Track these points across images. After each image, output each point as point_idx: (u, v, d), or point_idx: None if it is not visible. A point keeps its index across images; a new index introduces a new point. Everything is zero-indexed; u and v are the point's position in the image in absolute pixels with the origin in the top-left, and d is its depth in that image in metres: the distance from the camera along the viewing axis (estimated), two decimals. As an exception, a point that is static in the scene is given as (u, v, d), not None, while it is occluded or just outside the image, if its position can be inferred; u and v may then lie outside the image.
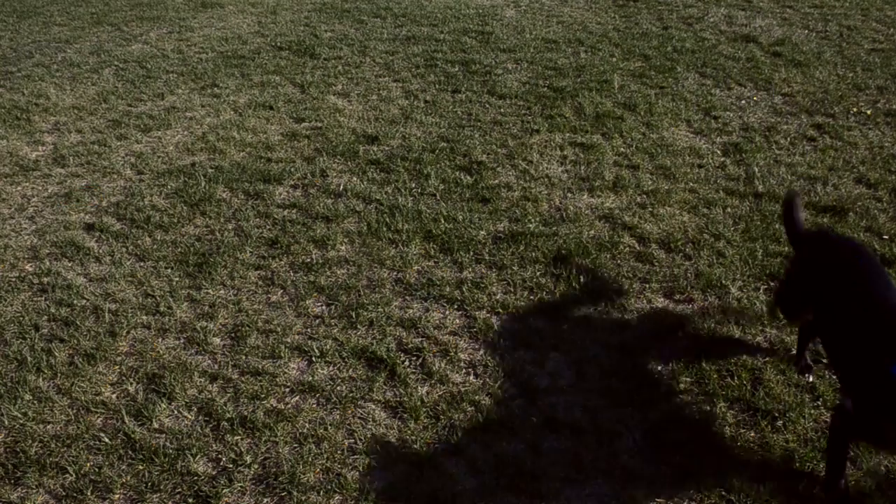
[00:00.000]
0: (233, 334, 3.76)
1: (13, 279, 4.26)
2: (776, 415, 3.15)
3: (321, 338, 3.69)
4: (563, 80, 6.80)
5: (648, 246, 4.32)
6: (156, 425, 3.22)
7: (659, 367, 3.44)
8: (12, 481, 3.00)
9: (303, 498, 2.87)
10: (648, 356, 3.50)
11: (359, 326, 3.76)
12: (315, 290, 4.04)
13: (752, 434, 3.08)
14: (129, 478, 2.99)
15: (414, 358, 3.55)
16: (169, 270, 4.26)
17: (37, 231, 4.74)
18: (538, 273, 4.11)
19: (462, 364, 3.51)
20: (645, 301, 3.88)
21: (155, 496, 2.92)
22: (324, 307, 3.93)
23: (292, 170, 5.32)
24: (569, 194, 4.91)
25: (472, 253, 4.30)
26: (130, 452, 3.09)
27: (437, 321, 3.78)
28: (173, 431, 3.19)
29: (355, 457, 3.04)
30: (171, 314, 3.90)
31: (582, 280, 4.02)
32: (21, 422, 3.26)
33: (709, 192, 4.85)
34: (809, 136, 5.63)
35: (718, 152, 5.41)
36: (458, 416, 3.21)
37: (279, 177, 5.22)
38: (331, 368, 3.51)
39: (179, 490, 2.93)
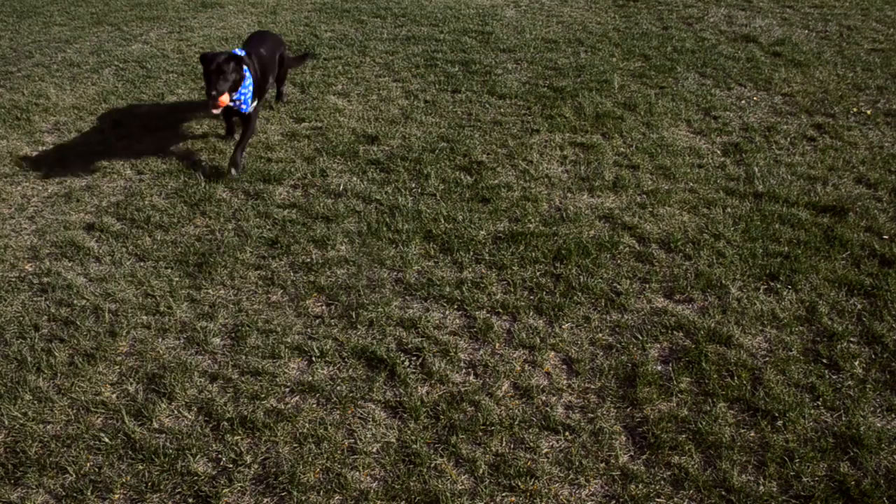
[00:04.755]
0: (233, 334, 3.76)
1: (13, 279, 4.26)
2: (776, 415, 3.15)
3: (321, 338, 3.70)
4: (563, 80, 6.80)
5: (648, 246, 4.33)
6: (156, 425, 3.23)
7: (658, 367, 3.45)
8: (12, 481, 3.00)
9: (303, 498, 2.87)
10: (648, 356, 3.50)
11: (359, 326, 3.76)
12: (315, 290, 4.05)
13: (752, 434, 3.08)
14: (129, 478, 2.99)
15: (414, 358, 3.55)
16: (169, 270, 4.26)
17: (37, 231, 4.74)
18: (538, 273, 4.11)
19: (462, 364, 3.51)
20: (645, 301, 3.88)
21: (155, 496, 2.92)
22: (324, 307, 3.93)
23: (292, 170, 5.32)
24: (569, 194, 4.91)
25: (472, 253, 4.30)
26: (130, 452, 3.09)
27: (437, 321, 3.78)
28: (173, 431, 3.19)
29: (355, 457, 3.04)
30: (171, 314, 3.90)
31: (582, 280, 4.02)
32: (21, 422, 3.26)
33: (709, 192, 4.86)
34: (809, 136, 5.63)
35: (718, 152, 5.41)
36: (458, 416, 3.21)
37: (279, 177, 5.22)
38: (331, 368, 3.51)
39: (179, 490, 2.94)
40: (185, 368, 3.53)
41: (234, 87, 5.05)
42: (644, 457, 3.01)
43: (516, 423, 3.17)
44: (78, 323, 3.84)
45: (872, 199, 4.72)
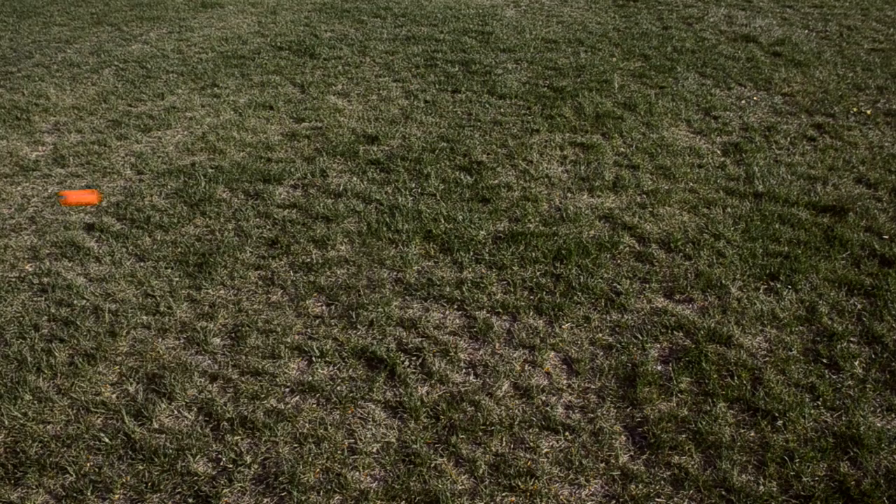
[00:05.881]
0: (233, 334, 3.76)
1: (13, 279, 4.26)
2: (776, 415, 3.15)
3: (321, 338, 3.69)
4: (563, 80, 6.80)
5: (648, 246, 4.32)
6: (156, 425, 3.22)
7: (658, 367, 3.44)
8: (12, 481, 3.00)
9: (303, 498, 2.87)
10: (648, 356, 3.50)
11: (359, 326, 3.76)
12: (315, 290, 4.04)
13: (752, 434, 3.08)
14: (129, 478, 2.99)
15: (414, 358, 3.55)
16: (169, 270, 4.26)
17: (37, 231, 4.74)
18: (538, 273, 4.11)
19: (462, 364, 3.51)
20: (645, 301, 3.88)
21: (155, 496, 2.92)
22: (324, 307, 3.93)
23: (292, 170, 5.32)
24: (569, 194, 4.91)
25: (472, 253, 4.30)
26: (130, 452, 3.09)
27: (437, 321, 3.78)
28: (173, 431, 3.19)
29: (355, 457, 3.04)
30: (171, 314, 3.90)
31: (582, 280, 4.02)
32: (21, 422, 3.26)
33: (709, 192, 4.85)
34: (809, 136, 5.63)
35: (718, 152, 5.41)
36: (458, 416, 3.21)
37: (279, 177, 5.22)
38: (331, 368, 3.51)
39: (179, 490, 2.94)
40: (185, 368, 3.52)
41: None
42: (644, 457, 3.00)
43: (516, 423, 3.17)
44: (78, 323, 3.84)
45: (872, 199, 4.72)
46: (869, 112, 5.97)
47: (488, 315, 3.82)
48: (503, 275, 4.11)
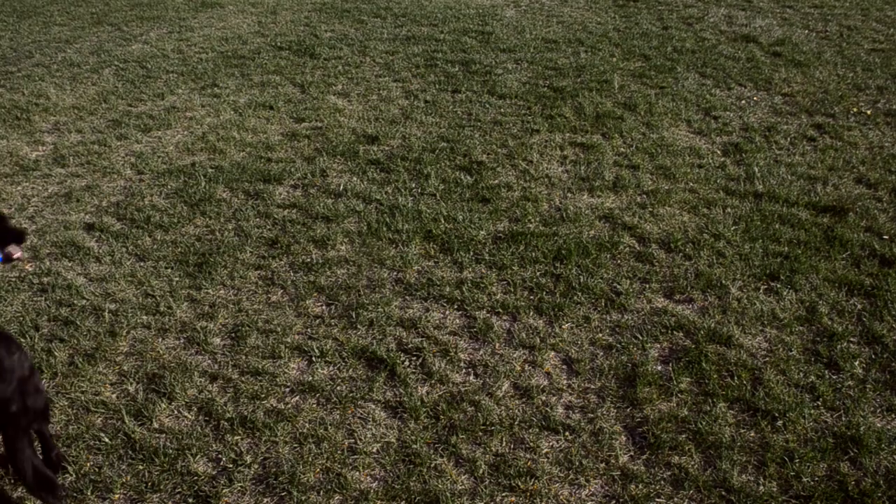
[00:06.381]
0: (233, 334, 3.76)
1: (13, 279, 4.26)
2: (776, 415, 3.15)
3: (321, 338, 3.69)
4: (563, 80, 6.80)
5: (648, 246, 4.32)
6: (156, 425, 3.22)
7: (658, 367, 3.44)
8: (13, 481, 3.00)
9: (303, 498, 2.87)
10: (648, 356, 3.50)
11: (359, 326, 3.76)
12: (315, 290, 4.04)
13: (752, 434, 3.08)
14: (129, 478, 2.99)
15: (414, 358, 3.55)
16: (169, 270, 4.26)
17: (37, 231, 4.73)
18: (538, 273, 4.11)
19: (462, 364, 3.51)
20: (645, 301, 3.88)
21: (155, 496, 2.92)
22: (324, 307, 3.93)
23: (292, 170, 5.32)
24: (569, 194, 4.91)
25: (472, 253, 4.30)
26: (130, 452, 3.09)
27: (437, 321, 3.78)
28: (173, 431, 3.19)
29: (355, 457, 3.04)
30: (171, 314, 3.90)
31: (582, 280, 4.02)
32: (21, 422, 3.26)
33: (709, 192, 4.85)
34: (809, 136, 5.63)
35: (718, 152, 5.41)
36: (458, 416, 3.21)
37: (279, 177, 5.22)
38: (331, 368, 3.51)
39: (179, 490, 2.94)
40: (185, 368, 3.52)
41: None
42: (644, 457, 3.00)
43: (516, 423, 3.17)
44: (78, 323, 3.84)
45: (872, 199, 4.72)
46: (869, 112, 5.97)
47: (488, 315, 3.82)
48: (503, 275, 4.11)
